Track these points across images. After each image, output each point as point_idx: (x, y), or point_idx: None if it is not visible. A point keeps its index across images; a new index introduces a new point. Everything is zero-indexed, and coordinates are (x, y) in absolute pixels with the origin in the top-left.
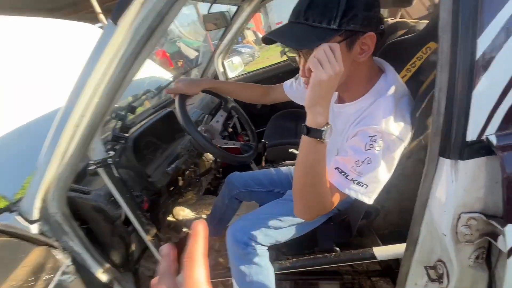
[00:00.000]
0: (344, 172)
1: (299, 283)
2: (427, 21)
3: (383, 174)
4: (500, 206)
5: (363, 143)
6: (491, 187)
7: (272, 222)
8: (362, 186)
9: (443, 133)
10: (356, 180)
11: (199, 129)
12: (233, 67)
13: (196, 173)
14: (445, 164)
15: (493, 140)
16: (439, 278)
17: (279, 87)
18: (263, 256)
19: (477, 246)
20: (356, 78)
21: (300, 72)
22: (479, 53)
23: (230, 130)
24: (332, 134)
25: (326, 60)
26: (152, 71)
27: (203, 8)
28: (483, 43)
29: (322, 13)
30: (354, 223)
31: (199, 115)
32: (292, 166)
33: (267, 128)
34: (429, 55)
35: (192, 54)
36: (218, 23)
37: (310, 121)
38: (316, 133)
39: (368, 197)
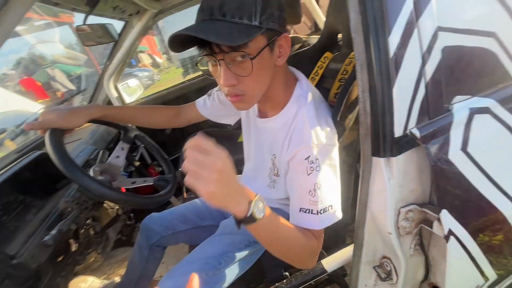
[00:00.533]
0: (307, 209)
1: None
2: (318, 36)
3: (335, 184)
4: (427, 194)
5: (303, 168)
6: (419, 177)
7: (211, 267)
8: (329, 210)
9: (373, 133)
10: (321, 210)
11: (91, 171)
12: (130, 91)
13: (96, 229)
14: (379, 163)
15: (416, 132)
16: (388, 276)
17: (191, 106)
18: None
19: (414, 235)
20: (276, 85)
21: (222, 81)
22: (391, 51)
23: (137, 163)
24: (260, 154)
25: (195, 170)
26: (11, 104)
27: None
28: (393, 41)
29: (241, 9)
30: None
31: (91, 152)
32: None
33: (182, 153)
34: (328, 64)
35: (71, 83)
36: (101, 39)
37: (234, 214)
38: (247, 221)
39: (339, 213)
